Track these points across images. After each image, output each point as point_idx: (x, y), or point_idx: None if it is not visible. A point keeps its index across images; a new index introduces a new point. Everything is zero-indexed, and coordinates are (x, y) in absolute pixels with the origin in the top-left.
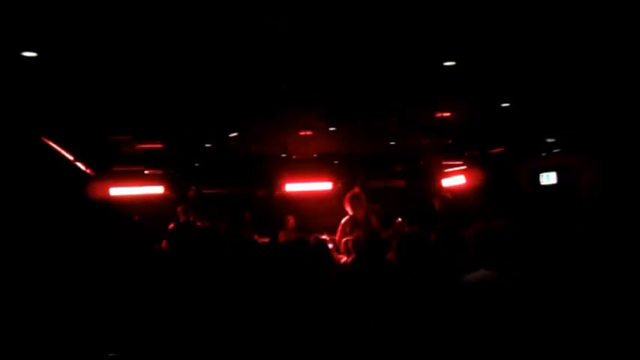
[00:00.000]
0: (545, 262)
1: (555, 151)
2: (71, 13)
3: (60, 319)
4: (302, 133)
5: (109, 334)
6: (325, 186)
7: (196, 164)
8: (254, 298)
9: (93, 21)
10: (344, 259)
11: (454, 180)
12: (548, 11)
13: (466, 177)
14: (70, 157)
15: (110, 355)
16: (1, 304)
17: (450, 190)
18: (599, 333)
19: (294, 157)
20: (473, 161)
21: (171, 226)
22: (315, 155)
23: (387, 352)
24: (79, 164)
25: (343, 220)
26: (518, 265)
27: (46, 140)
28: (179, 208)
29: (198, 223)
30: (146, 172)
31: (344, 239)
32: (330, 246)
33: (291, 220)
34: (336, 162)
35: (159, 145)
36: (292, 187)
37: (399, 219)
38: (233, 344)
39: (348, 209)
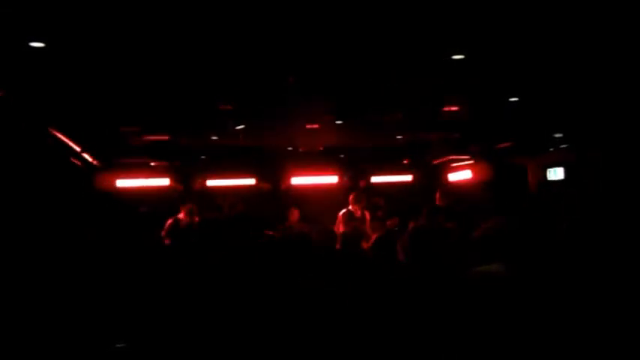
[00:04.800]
0: (551, 258)
1: (563, 146)
2: (79, 4)
3: (67, 310)
4: (309, 127)
5: (117, 325)
6: (331, 180)
7: (202, 156)
8: (256, 290)
9: (100, 11)
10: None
11: (461, 175)
12: (558, 5)
13: (473, 172)
14: (77, 149)
15: (118, 345)
16: (8, 293)
17: (456, 184)
18: (605, 328)
19: (300, 150)
20: (480, 156)
21: (170, 221)
22: (321, 148)
23: (394, 346)
24: (85, 155)
25: (341, 213)
26: (525, 260)
27: (53, 131)
28: (184, 208)
29: (196, 218)
30: (152, 164)
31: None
32: None
33: (295, 213)
34: (342, 156)
35: (165, 137)
36: (298, 181)
37: (396, 218)
38: (236, 334)
39: (349, 205)
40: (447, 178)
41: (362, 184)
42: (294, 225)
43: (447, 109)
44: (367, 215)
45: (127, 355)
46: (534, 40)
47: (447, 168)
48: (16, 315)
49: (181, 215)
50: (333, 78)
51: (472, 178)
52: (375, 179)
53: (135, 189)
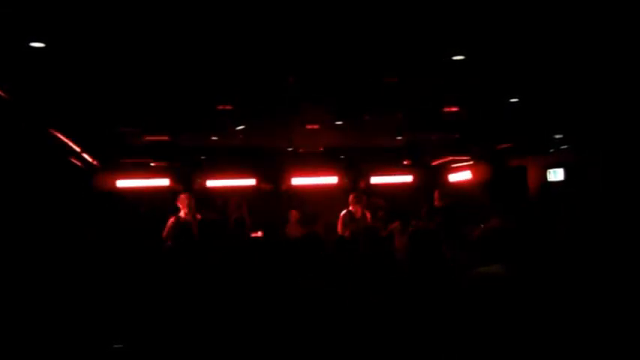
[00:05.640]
0: (551, 258)
1: (563, 147)
2: (79, 4)
3: (66, 310)
4: (309, 127)
5: (115, 325)
6: (331, 180)
7: (202, 157)
8: (256, 290)
9: (101, 12)
10: None
11: (461, 175)
12: (558, 6)
13: (473, 173)
14: (77, 149)
15: (115, 346)
16: (7, 293)
17: (455, 185)
18: (602, 328)
19: (300, 150)
20: (480, 157)
21: (171, 219)
22: (321, 149)
23: (394, 346)
24: (85, 156)
25: (342, 214)
26: (524, 261)
27: (53, 132)
28: (183, 204)
29: (198, 216)
30: (152, 164)
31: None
32: None
33: (294, 215)
34: (342, 156)
35: (165, 138)
36: (298, 182)
37: (397, 222)
38: (236, 334)
39: (350, 205)
40: (446, 179)
41: (362, 184)
42: (293, 227)
43: (447, 109)
44: (368, 215)
45: (125, 356)
46: (534, 40)
47: (447, 169)
48: (15, 315)
49: (182, 213)
50: (333, 78)
51: (472, 179)
52: (374, 180)
53: (137, 189)
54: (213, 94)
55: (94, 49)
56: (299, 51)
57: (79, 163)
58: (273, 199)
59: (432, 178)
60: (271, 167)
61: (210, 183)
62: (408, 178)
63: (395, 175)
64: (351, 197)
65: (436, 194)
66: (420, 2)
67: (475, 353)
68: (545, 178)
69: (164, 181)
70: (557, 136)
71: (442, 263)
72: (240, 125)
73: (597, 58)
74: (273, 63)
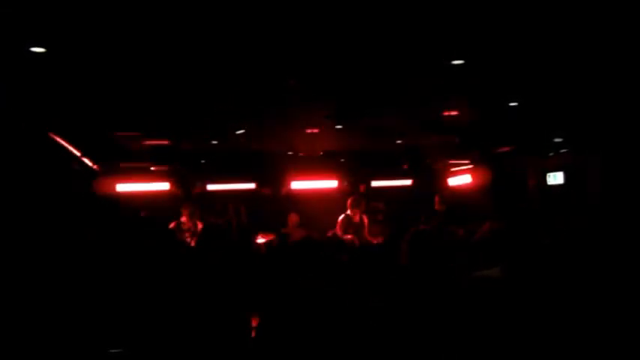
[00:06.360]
0: (550, 261)
1: (563, 151)
2: (79, 9)
3: (62, 315)
4: (309, 131)
5: (111, 331)
6: (331, 184)
7: (202, 161)
8: (257, 292)
9: (101, 17)
10: None
11: (460, 179)
12: (558, 10)
13: (472, 176)
14: (77, 153)
15: (112, 351)
16: (4, 298)
17: (455, 188)
18: (603, 332)
19: (300, 154)
20: (480, 160)
21: (172, 225)
22: (321, 153)
23: (394, 347)
24: (85, 160)
25: (340, 218)
26: (524, 264)
27: (53, 136)
28: (185, 211)
29: (199, 224)
30: (152, 168)
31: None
32: None
33: (293, 218)
34: (342, 160)
35: (165, 142)
36: (298, 185)
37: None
38: (236, 336)
39: (348, 210)
40: (446, 183)
41: (362, 188)
42: (293, 229)
43: (446, 113)
44: (365, 220)
45: None
46: (534, 44)
47: (447, 172)
48: (15, 316)
49: (184, 218)
50: (334, 82)
51: (471, 183)
52: (374, 184)
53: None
54: (214, 99)
55: (95, 54)
56: (300, 55)
57: (79, 167)
58: (274, 202)
59: (431, 182)
60: (271, 171)
61: (210, 187)
62: (407, 182)
63: (394, 178)
64: (349, 201)
65: (436, 199)
66: (420, 7)
67: (474, 355)
68: (545, 181)
69: (164, 185)
70: (557, 140)
71: (442, 265)
72: (240, 129)
73: (596, 61)
74: (273, 66)
